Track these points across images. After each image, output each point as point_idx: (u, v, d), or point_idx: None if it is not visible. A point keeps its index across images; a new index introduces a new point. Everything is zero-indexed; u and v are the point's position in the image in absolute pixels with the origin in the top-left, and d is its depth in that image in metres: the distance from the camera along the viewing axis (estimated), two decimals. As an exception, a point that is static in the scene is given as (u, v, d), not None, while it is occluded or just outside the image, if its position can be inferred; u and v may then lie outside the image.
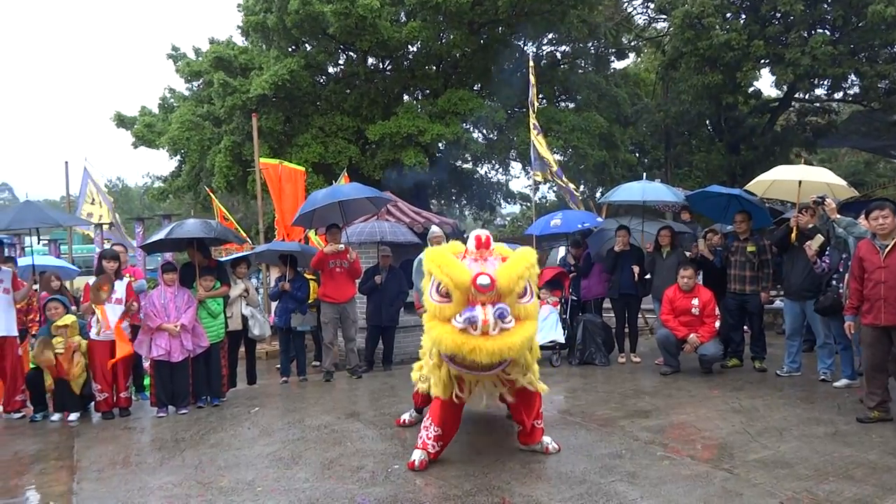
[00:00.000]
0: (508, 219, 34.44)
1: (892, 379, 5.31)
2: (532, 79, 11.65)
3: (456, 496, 3.89)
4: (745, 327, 7.79)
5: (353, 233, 8.88)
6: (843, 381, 6.36)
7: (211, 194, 16.72)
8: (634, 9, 23.17)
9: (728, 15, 17.18)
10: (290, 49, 17.81)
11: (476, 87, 19.96)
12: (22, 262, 7.91)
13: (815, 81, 17.45)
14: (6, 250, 6.95)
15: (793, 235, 6.65)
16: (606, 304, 8.92)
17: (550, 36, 20.43)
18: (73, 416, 6.30)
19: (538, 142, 11.19)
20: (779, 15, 16.58)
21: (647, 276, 8.07)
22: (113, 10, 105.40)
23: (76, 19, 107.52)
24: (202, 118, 18.96)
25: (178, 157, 20.93)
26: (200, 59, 20.13)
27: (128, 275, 7.15)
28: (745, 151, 20.04)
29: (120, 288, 6.42)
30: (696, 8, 16.27)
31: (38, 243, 8.33)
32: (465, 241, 4.49)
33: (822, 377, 6.61)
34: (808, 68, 15.50)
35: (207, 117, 18.91)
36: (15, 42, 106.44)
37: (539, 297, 8.01)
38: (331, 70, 19.55)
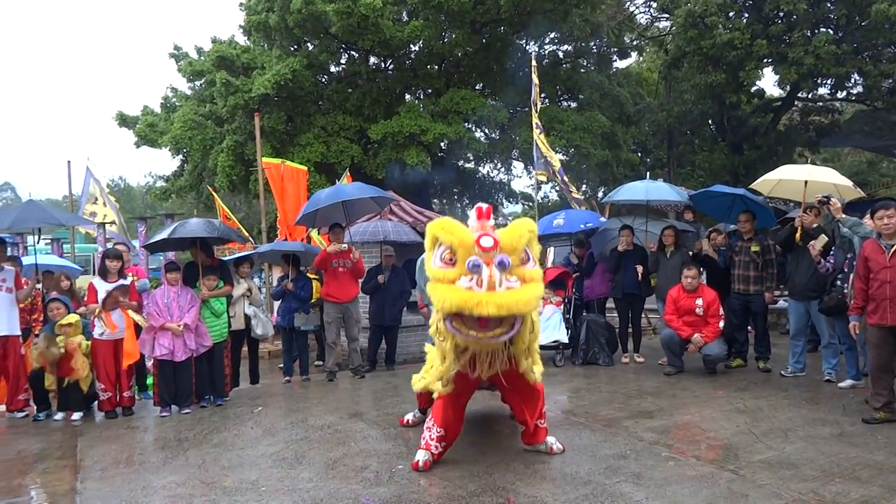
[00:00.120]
0: (510, 218, 34.30)
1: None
2: (535, 78, 11.63)
3: (460, 496, 3.87)
4: (749, 327, 7.76)
5: (356, 232, 8.88)
6: (848, 382, 6.34)
7: (213, 194, 16.73)
8: (637, 8, 23.16)
9: (731, 14, 17.16)
10: (292, 48, 17.81)
11: (478, 86, 19.94)
12: (26, 260, 7.93)
13: (819, 81, 17.43)
14: (9, 249, 6.96)
15: (797, 235, 6.64)
16: (609, 303, 8.91)
17: (553, 35, 20.41)
18: (77, 416, 6.30)
19: (541, 141, 11.17)
20: (782, 14, 16.55)
21: (651, 276, 8.06)
22: (115, 9, 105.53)
23: (78, 19, 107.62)
24: (204, 117, 18.97)
25: (181, 156, 20.95)
26: (203, 58, 20.13)
27: (131, 274, 7.16)
28: (748, 151, 20.02)
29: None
30: (699, 7, 16.25)
31: (39, 242, 8.35)
32: None
33: (827, 377, 6.59)
34: (811, 67, 15.47)
35: (210, 117, 18.92)
36: (17, 41, 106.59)
37: (543, 297, 8.07)
38: (333, 69, 19.53)
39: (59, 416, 6.39)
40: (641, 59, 26.29)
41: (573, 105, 21.05)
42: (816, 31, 16.44)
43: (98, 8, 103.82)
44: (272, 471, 4.49)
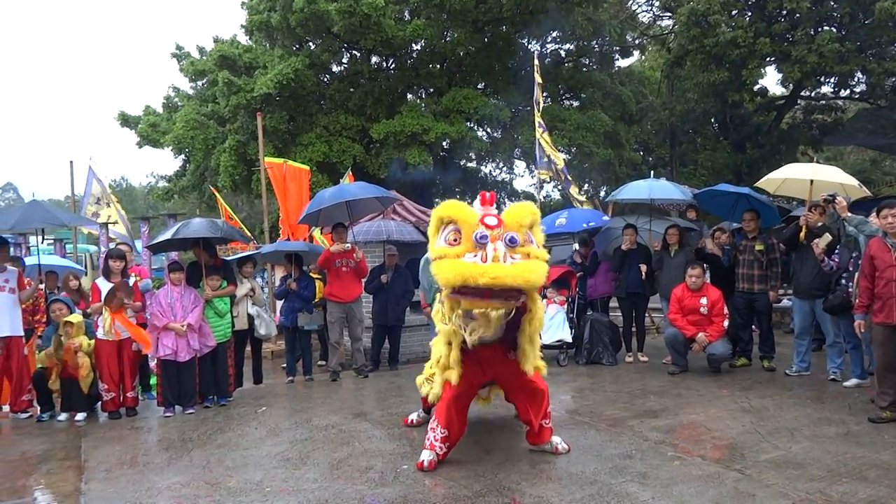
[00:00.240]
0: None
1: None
2: (537, 77, 11.61)
3: (466, 496, 3.86)
4: (754, 326, 7.74)
5: (359, 232, 8.87)
6: (854, 381, 6.31)
7: (216, 193, 16.74)
8: (639, 6, 23.12)
9: (734, 12, 17.12)
10: (294, 48, 17.81)
11: (480, 85, 19.93)
12: (29, 261, 7.94)
13: (822, 79, 17.40)
14: (12, 250, 6.96)
15: (802, 234, 6.61)
16: (613, 303, 8.88)
17: (555, 34, 20.39)
18: (80, 416, 6.29)
19: (544, 140, 11.15)
20: (785, 12, 16.53)
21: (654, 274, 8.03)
22: (117, 9, 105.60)
23: (80, 19, 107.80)
24: (207, 117, 18.98)
25: (183, 156, 20.97)
26: (205, 58, 20.16)
27: (133, 274, 7.15)
28: (751, 149, 19.99)
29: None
30: (702, 5, 16.23)
31: (43, 243, 8.38)
32: None
33: (832, 377, 6.56)
34: (814, 66, 15.45)
35: (212, 116, 18.93)
36: (19, 42, 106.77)
37: (546, 297, 8.06)
38: (335, 69, 19.55)
39: (62, 416, 6.39)
40: (644, 57, 26.26)
41: (575, 104, 21.03)
42: (820, 29, 16.41)
43: (100, 8, 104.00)
44: (277, 471, 4.48)
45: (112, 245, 12.21)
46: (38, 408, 6.53)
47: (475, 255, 3.80)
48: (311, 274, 8.75)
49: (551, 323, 7.99)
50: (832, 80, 17.81)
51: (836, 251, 6.37)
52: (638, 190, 8.38)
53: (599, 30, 19.18)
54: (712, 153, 20.45)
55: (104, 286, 6.36)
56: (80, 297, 7.21)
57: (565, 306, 8.32)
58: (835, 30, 16.44)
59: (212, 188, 18.45)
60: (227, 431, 5.62)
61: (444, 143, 18.40)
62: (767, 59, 16.99)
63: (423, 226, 10.30)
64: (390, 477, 4.25)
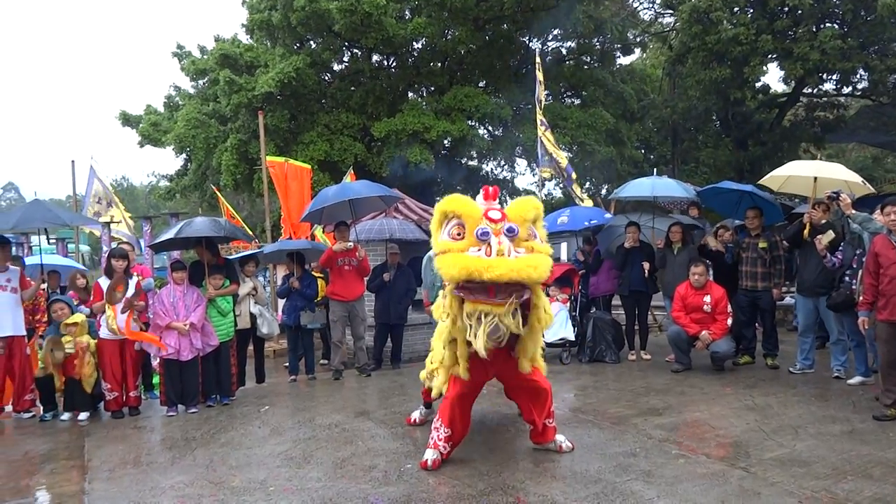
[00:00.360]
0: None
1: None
2: (539, 75, 11.59)
3: (470, 495, 3.85)
4: (757, 324, 7.72)
5: (362, 230, 8.86)
6: (858, 379, 6.29)
7: (217, 192, 16.75)
8: (641, 4, 23.06)
9: (736, 9, 17.05)
10: (295, 46, 17.80)
11: (481, 83, 19.89)
12: (30, 260, 7.93)
13: (824, 76, 17.34)
14: (14, 249, 6.95)
15: (806, 231, 6.59)
16: (615, 301, 8.86)
17: (556, 32, 20.36)
18: (83, 416, 6.29)
19: (546, 138, 11.12)
20: (787, 9, 16.47)
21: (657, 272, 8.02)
22: (118, 8, 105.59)
23: (81, 18, 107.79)
24: (208, 116, 18.98)
25: (184, 155, 20.97)
26: (206, 57, 20.15)
27: (136, 273, 7.14)
28: (753, 147, 19.93)
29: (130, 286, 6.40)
30: (704, 2, 16.16)
31: (49, 242, 8.39)
32: None
33: (836, 374, 6.55)
34: (816, 63, 15.39)
35: (213, 115, 18.93)
36: (20, 41, 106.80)
37: (549, 295, 8.05)
38: (336, 67, 19.53)
39: (65, 416, 6.39)
40: (645, 55, 26.19)
41: (577, 102, 21.00)
42: (822, 25, 16.34)
43: (101, 7, 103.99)
44: (280, 470, 4.47)
45: (114, 244, 12.23)
46: (41, 407, 6.53)
47: (479, 250, 3.78)
48: (313, 273, 8.74)
49: (554, 321, 7.97)
50: (834, 77, 17.74)
51: (840, 248, 6.35)
52: (641, 187, 8.36)
53: (601, 27, 19.15)
54: (714, 151, 20.40)
55: (106, 285, 6.35)
56: (87, 295, 7.20)
57: (568, 304, 8.31)
58: (837, 26, 16.37)
59: (213, 187, 18.46)
60: (231, 430, 5.62)
61: (446, 142, 18.38)
62: (769, 56, 16.92)
63: (426, 224, 10.25)
64: (394, 476, 4.24)
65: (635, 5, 23.09)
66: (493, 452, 4.64)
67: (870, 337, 5.86)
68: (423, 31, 16.93)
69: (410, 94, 19.74)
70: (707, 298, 7.12)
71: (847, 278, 6.18)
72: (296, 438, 5.26)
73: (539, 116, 11.27)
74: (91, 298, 6.60)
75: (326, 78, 19.23)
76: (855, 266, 6.04)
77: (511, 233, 3.85)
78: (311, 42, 18.00)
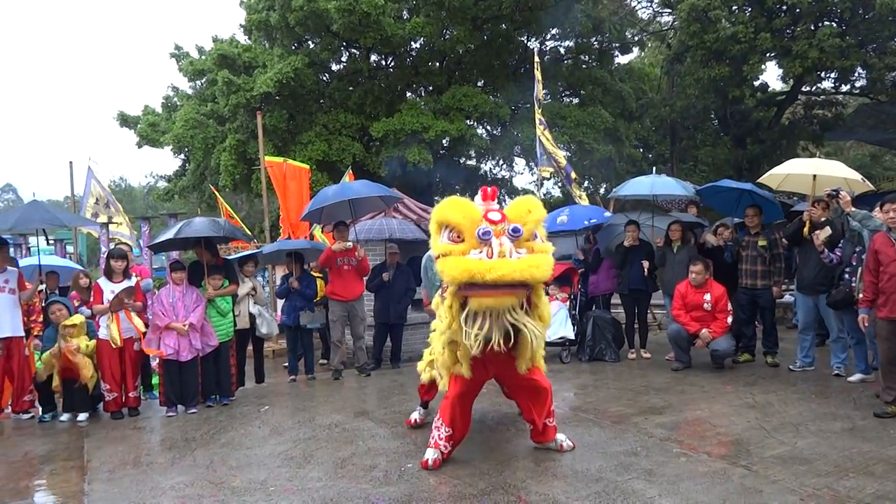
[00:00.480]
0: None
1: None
2: (537, 74, 11.58)
3: (471, 495, 3.84)
4: (757, 322, 7.72)
5: (361, 230, 8.85)
6: (858, 376, 6.29)
7: (216, 193, 16.74)
8: (639, 2, 23.05)
9: (734, 8, 17.05)
10: (293, 47, 17.78)
11: (480, 83, 19.88)
12: (28, 261, 7.92)
13: (823, 74, 17.33)
14: (12, 250, 6.94)
15: (805, 229, 6.59)
16: (615, 299, 8.86)
17: (554, 31, 20.34)
18: (83, 416, 6.27)
19: (545, 137, 11.12)
20: (786, 7, 16.47)
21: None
22: (116, 9, 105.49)
23: (79, 19, 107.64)
24: (206, 116, 18.97)
25: (183, 155, 20.96)
26: (204, 57, 20.13)
27: (135, 273, 7.13)
28: (752, 145, 19.93)
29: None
30: (702, 1, 16.16)
31: (48, 243, 8.37)
32: None
33: (836, 372, 6.54)
34: (815, 61, 15.39)
35: (211, 116, 18.91)
36: (18, 42, 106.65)
37: (549, 294, 8.04)
38: (334, 67, 19.52)
39: (64, 417, 6.37)
40: (643, 54, 26.18)
41: (575, 101, 20.99)
42: (820, 24, 16.34)
43: (99, 8, 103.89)
44: (281, 470, 4.46)
45: (112, 245, 12.21)
46: (40, 408, 6.52)
47: (480, 252, 3.77)
48: (312, 272, 8.73)
49: (554, 320, 7.95)
50: (833, 75, 17.73)
51: (839, 245, 6.35)
52: (640, 186, 8.35)
53: (599, 26, 19.14)
54: (713, 149, 20.39)
55: (106, 286, 6.34)
56: (90, 295, 7.19)
57: (567, 303, 8.31)
58: (835, 24, 16.36)
59: (212, 187, 18.45)
60: (230, 431, 5.61)
61: (444, 141, 18.37)
62: (768, 54, 16.93)
63: (425, 224, 10.27)
64: (395, 475, 4.23)
65: (633, 4, 23.09)
66: (494, 452, 4.63)
67: (870, 334, 5.85)
68: (422, 31, 16.92)
69: (409, 94, 19.73)
70: (707, 297, 7.12)
71: (847, 276, 6.18)
72: (296, 438, 5.25)
73: (538, 115, 11.27)
74: (92, 299, 6.59)
75: (325, 78, 19.21)
76: (854, 263, 6.04)
77: (516, 233, 3.85)
78: (310, 42, 17.98)
